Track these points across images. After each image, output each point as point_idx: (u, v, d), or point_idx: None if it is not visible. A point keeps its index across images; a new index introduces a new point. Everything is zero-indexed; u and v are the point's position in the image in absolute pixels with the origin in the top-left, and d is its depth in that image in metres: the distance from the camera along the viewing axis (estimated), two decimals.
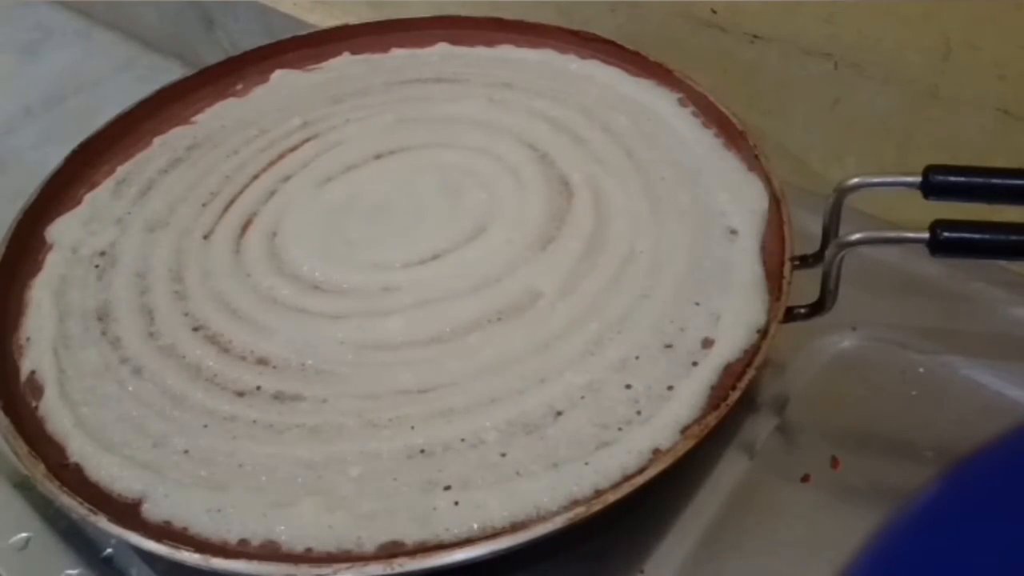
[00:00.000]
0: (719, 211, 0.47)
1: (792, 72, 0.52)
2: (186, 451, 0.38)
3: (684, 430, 0.37)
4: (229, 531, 0.35)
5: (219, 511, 0.36)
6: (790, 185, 0.46)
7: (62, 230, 0.49)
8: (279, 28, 0.69)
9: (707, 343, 0.41)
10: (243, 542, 0.35)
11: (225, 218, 0.49)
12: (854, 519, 0.36)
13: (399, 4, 0.62)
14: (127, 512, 0.36)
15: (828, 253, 0.40)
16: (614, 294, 0.43)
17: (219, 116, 0.56)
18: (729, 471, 0.40)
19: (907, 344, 0.45)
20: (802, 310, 0.41)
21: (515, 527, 0.34)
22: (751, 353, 0.40)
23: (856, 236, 0.38)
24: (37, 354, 0.43)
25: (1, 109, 0.70)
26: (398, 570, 0.33)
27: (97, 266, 0.47)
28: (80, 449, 0.39)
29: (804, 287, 0.41)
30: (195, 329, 0.44)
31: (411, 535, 0.35)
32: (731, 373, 0.39)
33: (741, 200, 0.47)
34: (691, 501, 0.39)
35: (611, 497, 0.35)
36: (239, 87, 0.58)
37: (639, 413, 0.38)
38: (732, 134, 0.50)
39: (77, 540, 0.40)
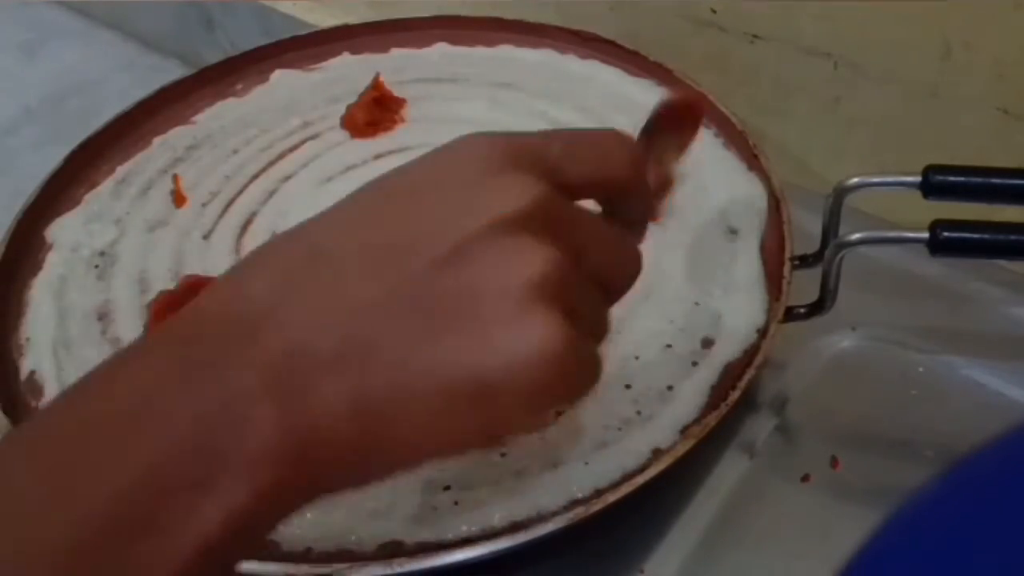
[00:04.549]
0: (719, 211, 0.47)
1: (792, 72, 0.52)
2: None
3: (684, 430, 0.37)
4: None
5: None
6: (790, 185, 0.46)
7: (62, 230, 0.49)
8: (279, 28, 0.68)
9: (707, 343, 0.41)
10: None
11: (225, 218, 0.49)
12: (854, 519, 0.36)
13: (399, 4, 0.62)
14: None
15: (828, 253, 0.40)
16: None
17: (219, 116, 0.56)
18: (729, 471, 0.40)
19: (907, 344, 0.45)
20: (802, 310, 0.41)
21: (515, 527, 0.34)
22: (751, 353, 0.40)
23: (856, 236, 0.38)
24: (37, 354, 0.43)
25: (1, 109, 0.70)
26: (398, 570, 0.33)
27: (97, 266, 0.47)
28: None
29: (804, 287, 0.41)
30: None
31: (411, 535, 0.35)
32: (731, 373, 0.39)
33: (741, 200, 0.47)
34: (691, 501, 0.39)
35: (611, 497, 0.35)
36: (239, 87, 0.58)
37: (639, 413, 0.38)
38: (732, 134, 0.50)
39: None
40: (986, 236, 0.37)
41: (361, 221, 0.25)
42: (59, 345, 0.43)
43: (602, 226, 0.28)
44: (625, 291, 0.29)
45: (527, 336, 0.23)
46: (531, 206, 0.25)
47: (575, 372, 0.25)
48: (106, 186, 0.52)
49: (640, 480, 0.35)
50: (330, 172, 0.51)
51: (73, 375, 0.42)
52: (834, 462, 0.41)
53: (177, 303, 0.43)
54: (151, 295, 0.45)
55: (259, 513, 0.22)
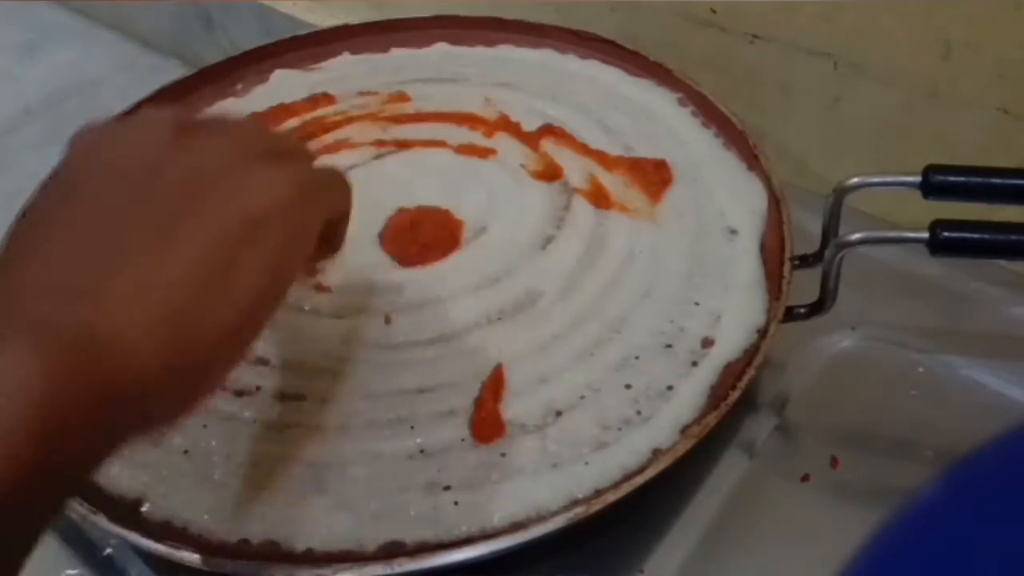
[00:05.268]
0: (719, 211, 0.47)
1: (792, 72, 0.52)
2: (186, 451, 0.38)
3: (684, 430, 0.37)
4: (229, 531, 0.35)
5: (219, 511, 0.36)
6: (790, 185, 0.46)
7: None
8: (278, 28, 0.68)
9: (707, 343, 0.41)
10: (243, 542, 0.35)
11: None
12: (854, 519, 0.36)
13: (399, 4, 0.62)
14: (127, 512, 0.36)
15: (828, 253, 0.40)
16: (614, 294, 0.43)
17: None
18: (729, 471, 0.40)
19: (907, 344, 0.45)
20: (802, 310, 0.41)
21: (515, 527, 0.34)
22: (751, 353, 0.40)
23: (856, 236, 0.38)
24: None
25: (1, 109, 0.70)
26: (398, 570, 0.33)
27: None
28: None
29: (804, 287, 0.41)
30: None
31: (411, 535, 0.35)
32: (731, 373, 0.39)
33: (741, 200, 0.47)
34: (691, 501, 0.39)
35: (611, 497, 0.35)
36: (239, 87, 0.58)
37: (639, 413, 0.38)
38: (732, 134, 0.50)
39: (77, 540, 0.40)
40: (986, 236, 0.37)
41: (74, 179, 0.28)
42: None
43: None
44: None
45: (264, 178, 0.28)
46: (184, 113, 0.30)
47: (321, 185, 0.31)
48: None
49: (640, 480, 0.35)
50: None
51: None
52: (834, 462, 0.41)
53: None
54: None
55: (50, 456, 0.22)
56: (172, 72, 0.62)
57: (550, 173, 0.49)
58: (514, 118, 0.53)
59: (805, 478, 0.40)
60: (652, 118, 0.52)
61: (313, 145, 0.53)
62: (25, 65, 0.76)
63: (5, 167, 0.65)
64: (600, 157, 0.50)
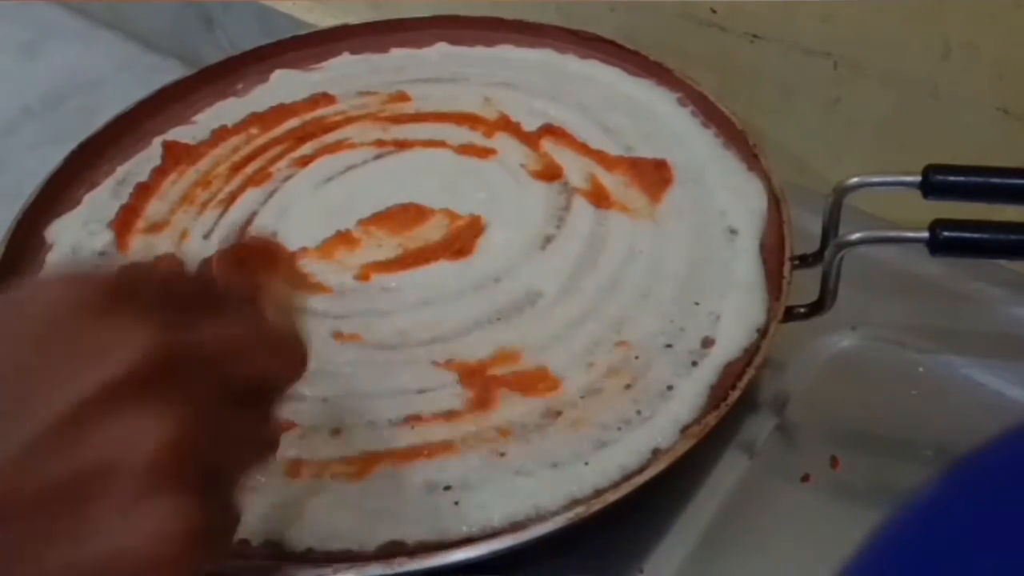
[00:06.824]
0: (719, 211, 0.47)
1: (792, 72, 0.52)
2: None
3: (684, 430, 0.37)
4: None
5: None
6: (790, 185, 0.46)
7: (62, 230, 0.49)
8: (278, 28, 0.69)
9: (707, 343, 0.41)
10: (243, 542, 0.35)
11: (225, 218, 0.49)
12: (854, 519, 0.36)
13: (399, 4, 0.62)
14: None
15: (828, 253, 0.40)
16: (614, 294, 0.43)
17: (219, 116, 0.56)
18: (729, 471, 0.40)
19: (907, 344, 0.45)
20: (802, 310, 0.41)
21: (515, 527, 0.34)
22: (751, 353, 0.40)
23: (856, 236, 0.38)
24: None
25: (1, 109, 0.71)
26: (398, 570, 0.33)
27: (97, 266, 0.47)
28: None
29: (804, 287, 0.41)
30: None
31: (411, 535, 0.35)
32: (731, 373, 0.39)
33: (741, 200, 0.47)
34: (691, 501, 0.39)
35: (611, 497, 0.35)
36: (239, 87, 0.58)
37: (639, 413, 0.38)
38: (732, 134, 0.50)
39: None
40: (986, 236, 0.37)
41: None
42: None
43: (236, 332, 0.25)
44: (295, 376, 0.27)
45: (146, 530, 0.21)
46: (144, 359, 0.21)
47: (202, 545, 0.22)
48: (106, 186, 0.52)
49: (640, 480, 0.35)
50: (330, 172, 0.51)
51: None
52: (834, 462, 0.41)
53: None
54: None
55: None
56: (172, 72, 0.63)
57: (550, 173, 0.49)
58: (514, 118, 0.53)
59: (805, 478, 0.40)
60: (652, 118, 0.52)
61: (313, 145, 0.53)
62: (25, 65, 0.76)
63: (5, 167, 0.65)
64: (600, 157, 0.50)
